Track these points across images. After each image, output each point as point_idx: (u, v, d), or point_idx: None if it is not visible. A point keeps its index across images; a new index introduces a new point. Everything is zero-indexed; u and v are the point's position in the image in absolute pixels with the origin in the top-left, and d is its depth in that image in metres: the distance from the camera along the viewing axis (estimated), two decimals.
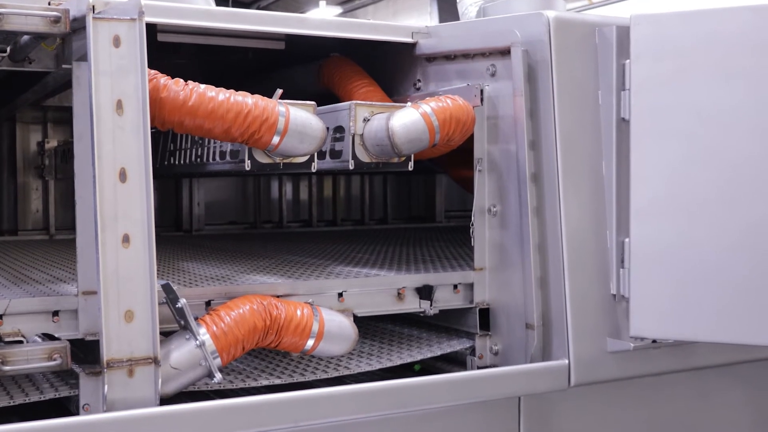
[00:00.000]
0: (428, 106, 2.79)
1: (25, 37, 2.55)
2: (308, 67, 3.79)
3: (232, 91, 2.50)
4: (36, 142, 4.97)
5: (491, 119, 2.92)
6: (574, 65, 2.74)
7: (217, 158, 2.97)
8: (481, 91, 2.93)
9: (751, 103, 2.54)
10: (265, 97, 2.53)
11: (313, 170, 2.67)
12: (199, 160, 3.13)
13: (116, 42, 2.25)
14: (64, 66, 2.58)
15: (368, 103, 2.83)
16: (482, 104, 2.93)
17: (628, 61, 2.65)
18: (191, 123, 2.47)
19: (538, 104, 2.76)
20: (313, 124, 2.57)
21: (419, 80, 3.36)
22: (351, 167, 2.77)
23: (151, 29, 2.88)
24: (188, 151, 3.22)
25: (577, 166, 2.73)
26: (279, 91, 2.57)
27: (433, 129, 2.76)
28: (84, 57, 2.29)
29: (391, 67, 3.52)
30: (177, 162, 3.33)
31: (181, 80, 2.48)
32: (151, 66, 2.30)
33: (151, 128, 2.32)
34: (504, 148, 2.88)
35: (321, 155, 2.76)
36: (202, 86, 2.48)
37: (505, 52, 2.84)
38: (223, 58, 3.99)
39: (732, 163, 2.56)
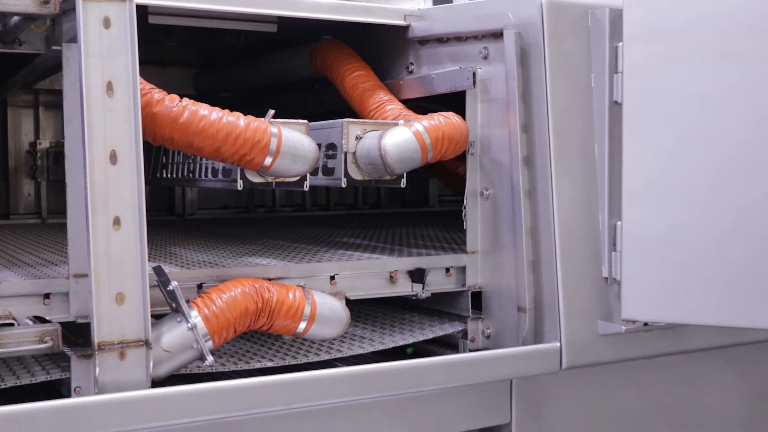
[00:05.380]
0: (421, 125, 2.78)
1: (15, 18, 2.53)
2: (300, 51, 3.77)
3: (226, 111, 2.50)
4: (29, 143, 4.96)
5: (483, 102, 2.92)
6: (566, 48, 2.73)
7: (209, 175, 2.96)
8: (474, 74, 2.92)
9: (745, 85, 2.54)
10: (258, 118, 2.52)
11: (306, 188, 2.66)
12: (191, 175, 3.12)
13: (106, 23, 2.23)
14: (54, 48, 2.56)
15: (361, 120, 2.82)
16: (474, 87, 2.92)
17: (621, 43, 2.65)
18: (181, 139, 2.46)
19: (531, 87, 2.75)
20: (305, 144, 2.56)
21: (412, 63, 3.35)
22: (343, 185, 2.77)
23: (142, 11, 2.86)
24: (180, 166, 3.22)
25: (569, 150, 2.73)
26: (271, 111, 2.56)
27: (426, 148, 2.76)
28: (74, 39, 2.28)
29: (383, 50, 3.51)
30: (169, 176, 3.32)
31: (177, 96, 2.48)
32: (141, 48, 2.29)
33: (144, 142, 2.31)
34: (496, 132, 2.87)
35: (313, 172, 2.75)
36: (197, 104, 2.48)
37: (498, 35, 2.83)
38: (215, 41, 3.98)
39: (726, 147, 2.56)
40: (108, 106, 2.23)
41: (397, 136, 2.74)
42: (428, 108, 3.29)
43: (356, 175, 2.79)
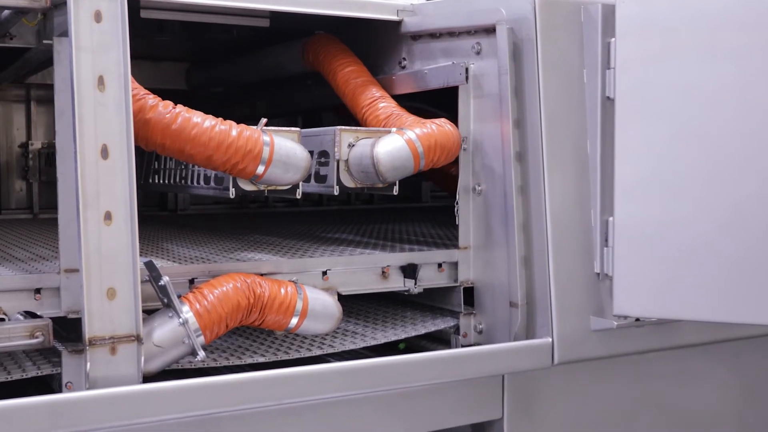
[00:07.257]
0: (413, 133, 2.79)
1: (6, 12, 2.52)
2: (293, 46, 3.76)
3: (219, 119, 2.50)
4: (20, 142, 4.93)
5: (476, 98, 2.91)
6: (559, 43, 2.73)
7: (201, 182, 2.96)
8: (466, 69, 2.92)
9: (737, 81, 2.54)
10: (250, 126, 2.52)
11: (298, 196, 2.67)
12: (183, 182, 3.12)
13: (97, 17, 2.22)
14: (45, 42, 2.55)
15: (353, 128, 2.82)
16: (467, 82, 2.92)
17: (613, 39, 2.65)
18: (173, 146, 2.46)
19: (523, 82, 2.75)
20: (298, 153, 2.56)
21: (404, 58, 3.35)
22: (336, 193, 2.78)
23: (134, 5, 2.85)
24: (172, 172, 3.20)
25: (561, 145, 2.73)
26: (263, 120, 2.56)
27: (418, 156, 2.77)
28: (65, 33, 2.27)
29: (376, 46, 3.50)
30: (161, 181, 3.31)
31: (171, 103, 2.48)
32: (133, 43, 2.28)
33: (135, 147, 2.30)
34: (489, 127, 2.87)
35: (306, 179, 2.75)
36: (191, 112, 2.47)
37: (491, 30, 2.83)
38: (207, 36, 3.97)
39: (718, 143, 2.56)
40: (99, 101, 2.22)
41: (389, 144, 2.74)
42: (420, 108, 3.30)
43: (348, 182, 2.80)
